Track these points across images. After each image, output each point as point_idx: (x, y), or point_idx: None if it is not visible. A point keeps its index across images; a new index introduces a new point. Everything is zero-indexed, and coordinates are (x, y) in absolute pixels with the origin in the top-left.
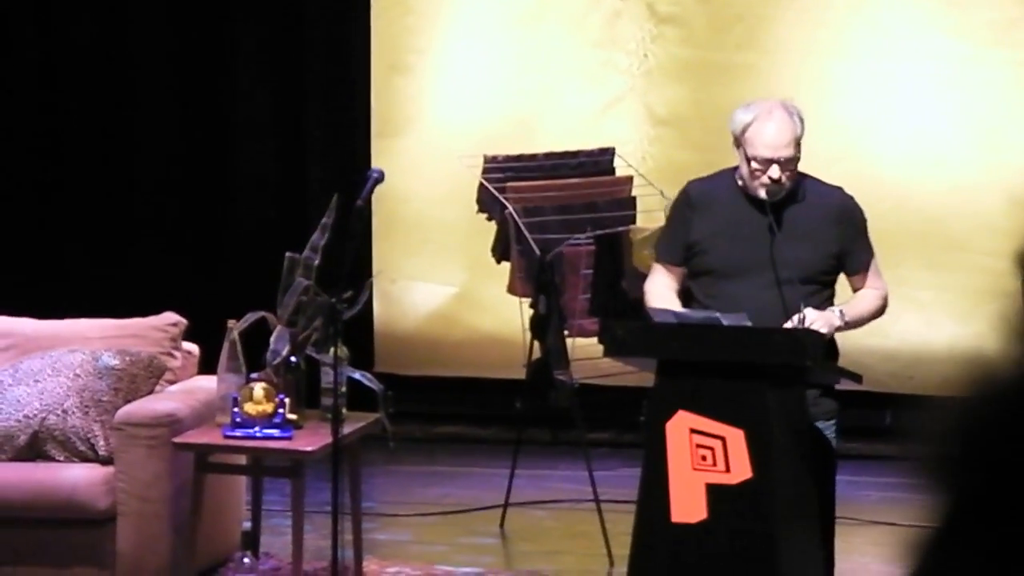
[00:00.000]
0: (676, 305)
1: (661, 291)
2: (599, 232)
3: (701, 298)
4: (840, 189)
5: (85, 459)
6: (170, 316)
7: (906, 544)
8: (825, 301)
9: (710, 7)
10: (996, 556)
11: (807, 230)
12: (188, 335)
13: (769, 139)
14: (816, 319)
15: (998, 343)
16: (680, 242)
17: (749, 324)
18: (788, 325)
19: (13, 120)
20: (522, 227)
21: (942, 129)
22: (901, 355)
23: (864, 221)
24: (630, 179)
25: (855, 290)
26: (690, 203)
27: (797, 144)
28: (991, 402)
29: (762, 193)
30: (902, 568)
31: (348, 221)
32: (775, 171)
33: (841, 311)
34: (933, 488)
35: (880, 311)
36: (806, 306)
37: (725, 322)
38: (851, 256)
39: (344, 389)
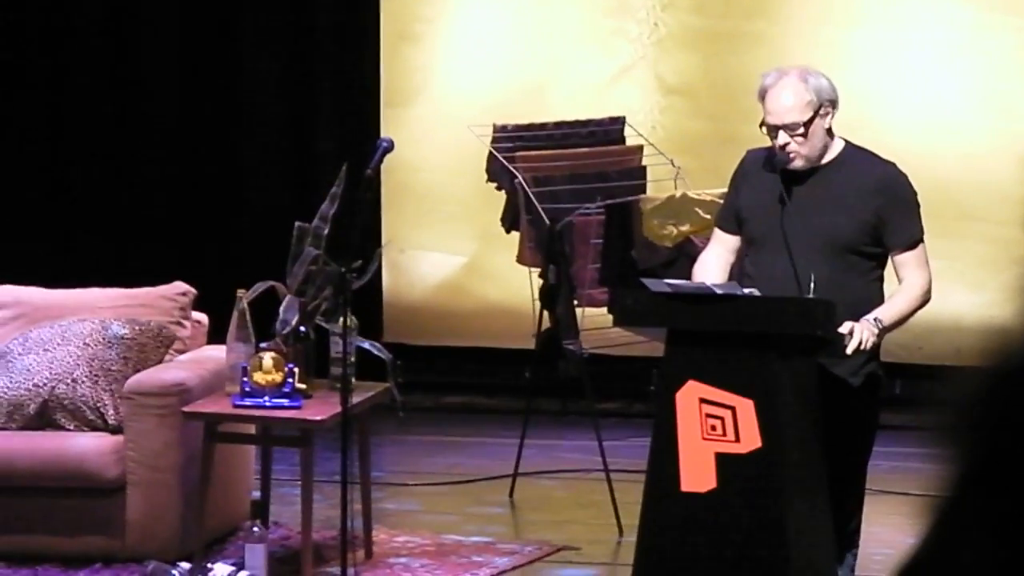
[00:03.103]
0: (714, 278)
1: (704, 264)
2: (609, 202)
3: (747, 267)
4: (892, 164)
5: (94, 428)
6: (179, 285)
7: (918, 511)
8: (869, 273)
9: None
10: (1002, 524)
11: (844, 199)
12: (197, 304)
13: (771, 104)
14: (855, 334)
15: (1011, 313)
16: (731, 209)
17: (742, 293)
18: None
19: (21, 91)
20: (532, 197)
21: (953, 96)
22: (911, 325)
23: (911, 197)
24: (640, 148)
25: (896, 270)
26: (743, 170)
27: (805, 110)
28: (1005, 373)
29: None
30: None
31: (357, 190)
32: (782, 137)
33: (876, 318)
34: (945, 456)
35: (921, 306)
36: (845, 277)
37: (719, 292)
38: (889, 228)
39: (353, 359)
